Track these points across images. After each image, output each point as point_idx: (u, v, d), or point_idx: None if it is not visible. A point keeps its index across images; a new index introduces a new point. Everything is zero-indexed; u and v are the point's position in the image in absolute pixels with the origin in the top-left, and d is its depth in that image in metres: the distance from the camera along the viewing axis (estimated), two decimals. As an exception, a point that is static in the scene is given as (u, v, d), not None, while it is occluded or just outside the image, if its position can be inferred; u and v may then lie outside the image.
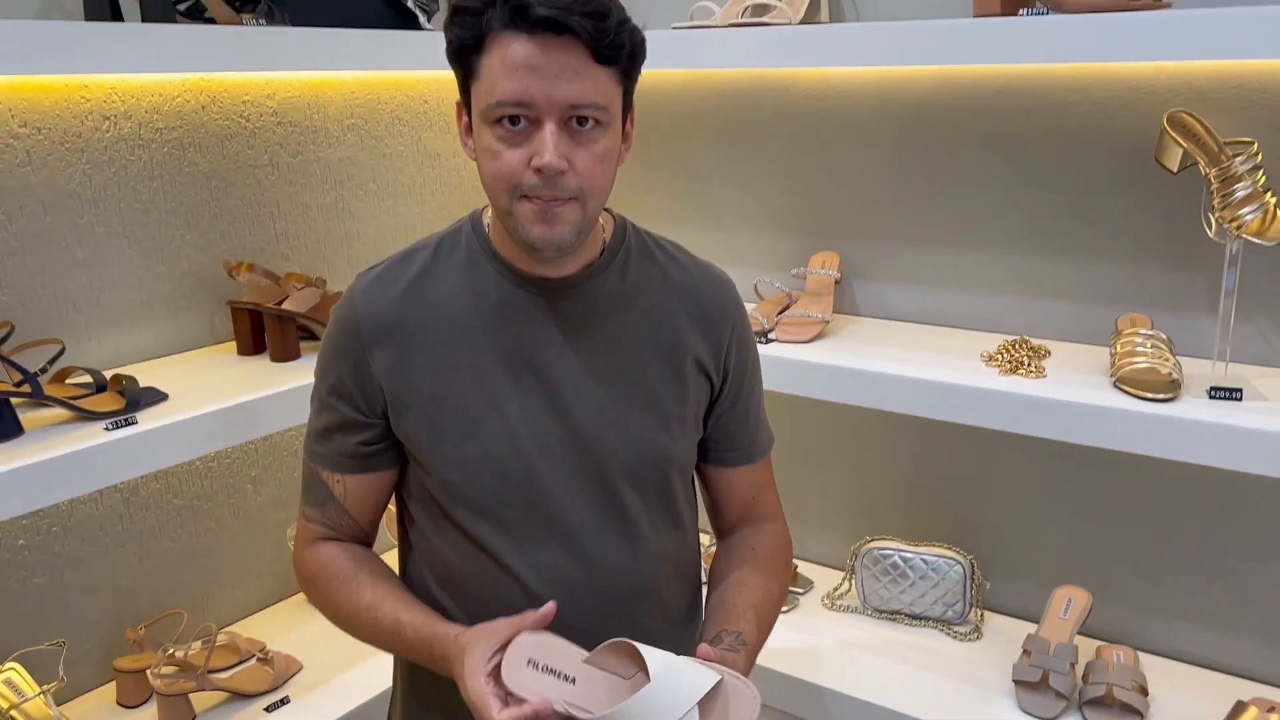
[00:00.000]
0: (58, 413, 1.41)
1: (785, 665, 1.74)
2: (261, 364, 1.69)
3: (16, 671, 1.45)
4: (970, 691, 1.68)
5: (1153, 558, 1.77)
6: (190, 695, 1.59)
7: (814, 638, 1.84)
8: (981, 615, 1.87)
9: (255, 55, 1.51)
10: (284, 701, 1.66)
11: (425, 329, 1.12)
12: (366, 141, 1.98)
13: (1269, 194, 1.45)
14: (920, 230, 1.87)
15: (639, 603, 1.19)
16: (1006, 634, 1.82)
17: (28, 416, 1.39)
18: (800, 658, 1.77)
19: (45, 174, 1.53)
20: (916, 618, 1.87)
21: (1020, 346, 1.68)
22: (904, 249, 1.90)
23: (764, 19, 1.75)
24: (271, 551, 1.93)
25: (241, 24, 1.54)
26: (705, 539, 1.50)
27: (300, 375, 1.61)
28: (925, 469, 1.96)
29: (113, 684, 1.66)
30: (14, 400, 1.35)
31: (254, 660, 1.69)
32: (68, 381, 1.46)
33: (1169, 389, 1.46)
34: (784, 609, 1.91)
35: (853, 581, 1.93)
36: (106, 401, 1.42)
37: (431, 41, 1.80)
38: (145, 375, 1.55)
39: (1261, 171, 1.46)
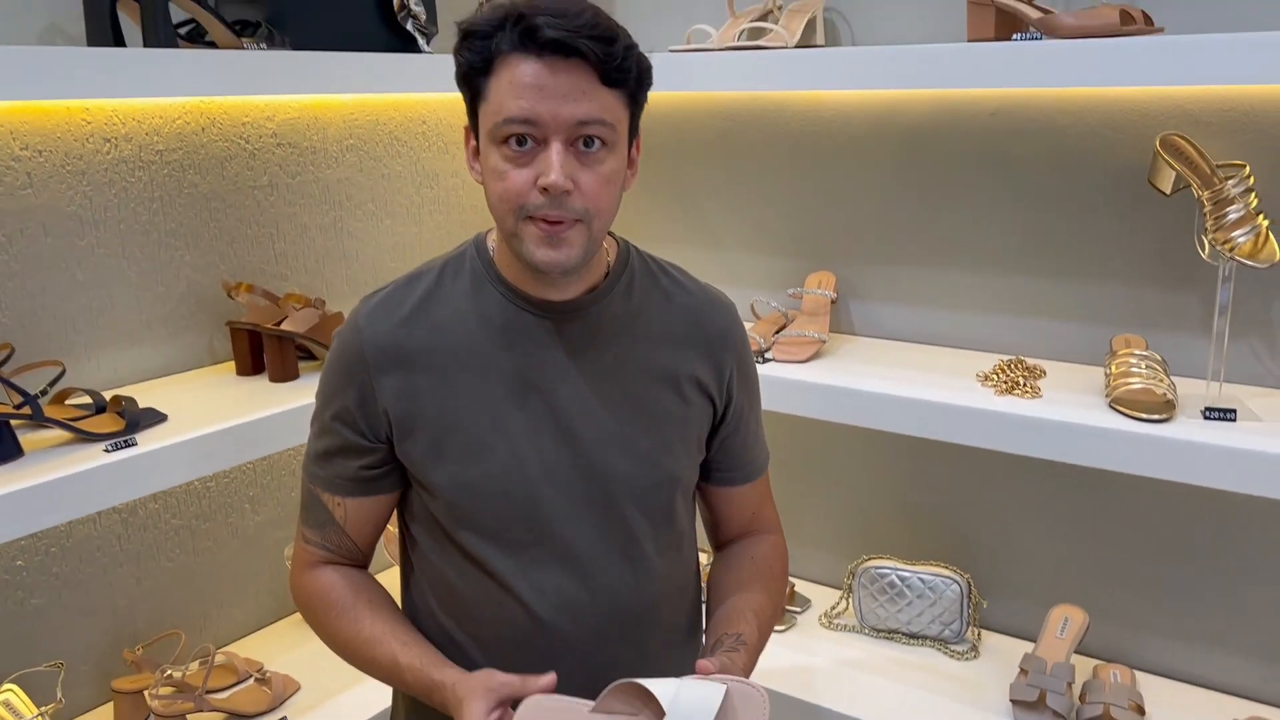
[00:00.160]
0: (57, 434, 1.41)
1: (783, 685, 1.74)
2: (260, 384, 1.69)
3: (14, 693, 1.44)
4: (968, 711, 1.68)
5: (1149, 577, 1.78)
6: (188, 716, 1.59)
7: (811, 657, 1.84)
8: (979, 634, 1.87)
9: (256, 79, 1.52)
10: (282, 722, 1.66)
11: (431, 353, 1.13)
12: (365, 162, 1.99)
13: (1261, 216, 1.46)
14: (916, 251, 1.88)
15: (641, 624, 1.19)
16: (1003, 653, 1.83)
17: (28, 438, 1.39)
18: (798, 677, 1.77)
19: (46, 196, 1.54)
20: (914, 637, 1.87)
21: (1016, 366, 1.69)
22: (900, 269, 1.91)
23: (760, 42, 1.77)
24: (269, 571, 1.93)
25: (242, 48, 1.55)
26: (704, 558, 1.51)
27: (299, 396, 1.61)
28: (922, 488, 1.97)
29: (110, 705, 1.65)
30: (14, 422, 1.35)
31: (252, 681, 1.69)
32: (67, 403, 1.47)
33: (1164, 409, 1.47)
34: (781, 628, 1.92)
35: (850, 600, 1.93)
36: (106, 423, 1.43)
37: (430, 64, 1.81)
38: (145, 396, 1.56)
39: (1254, 194, 1.48)
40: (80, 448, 1.38)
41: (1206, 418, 1.47)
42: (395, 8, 1.78)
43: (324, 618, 1.18)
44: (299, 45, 1.63)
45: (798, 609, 1.99)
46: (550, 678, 1.03)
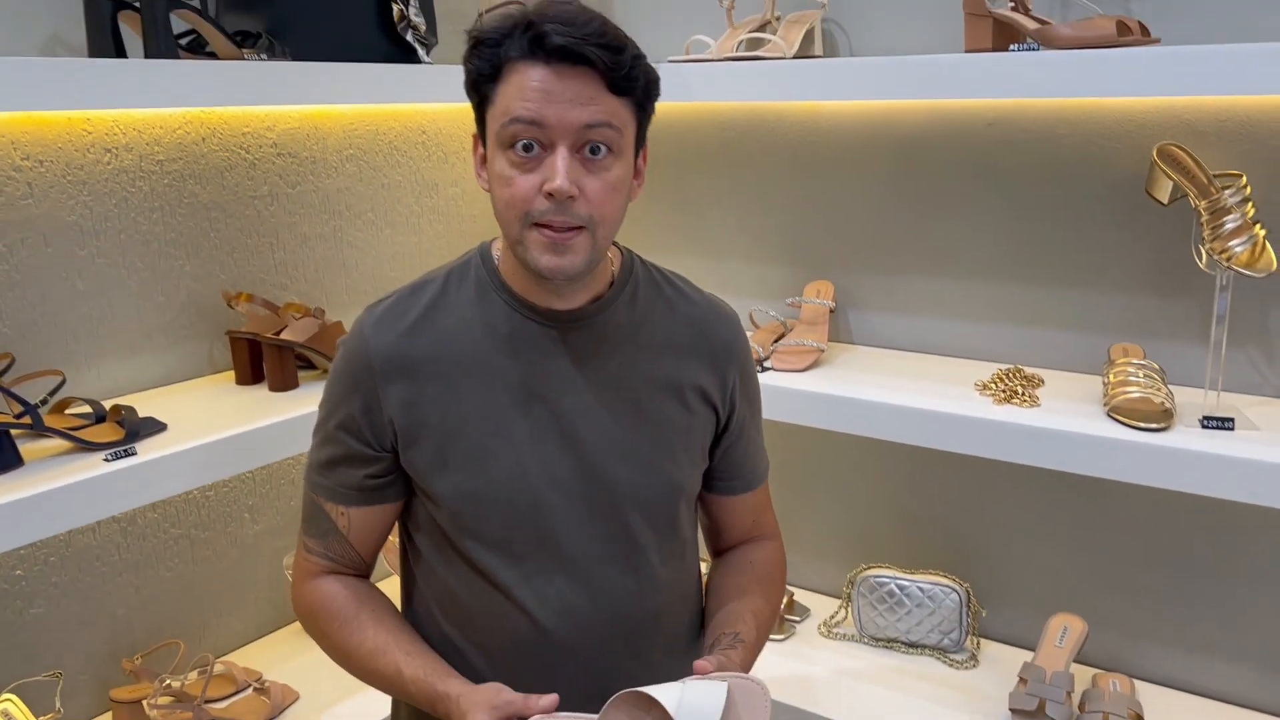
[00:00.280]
0: (57, 444, 1.41)
1: (782, 694, 1.74)
2: (260, 394, 1.69)
3: (13, 703, 1.44)
4: (967, 720, 1.68)
5: (1148, 586, 1.78)
6: (187, 726, 1.59)
7: (811, 666, 1.84)
8: (978, 643, 1.87)
9: (256, 89, 1.53)
10: (280, 732, 1.65)
11: (436, 362, 1.13)
12: (365, 172, 2.00)
13: (1258, 226, 1.47)
14: (914, 260, 1.89)
15: (644, 633, 1.19)
16: (1003, 662, 1.83)
17: (28, 448, 1.39)
18: (797, 686, 1.77)
19: (47, 206, 1.54)
20: (913, 646, 1.87)
21: (1014, 375, 1.69)
22: (898, 278, 1.91)
23: (758, 53, 1.77)
24: (269, 580, 1.93)
25: (243, 58, 1.56)
26: (704, 567, 1.51)
27: (299, 405, 1.62)
28: (920, 497, 1.97)
29: (109, 715, 1.65)
30: (14, 432, 1.35)
31: (251, 690, 1.69)
32: (67, 412, 1.47)
33: (1162, 419, 1.47)
34: (780, 637, 1.92)
35: (849, 609, 1.93)
36: (106, 432, 1.43)
37: (429, 75, 1.82)
38: (144, 405, 1.56)
39: (1250, 204, 1.48)
40: (80, 457, 1.39)
41: (1204, 427, 1.47)
42: (395, 18, 1.79)
43: (326, 629, 1.18)
44: (299, 56, 1.64)
45: (797, 618, 1.99)
46: (553, 698, 1.02)
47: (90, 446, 1.40)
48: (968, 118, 1.78)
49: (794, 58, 1.77)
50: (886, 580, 1.87)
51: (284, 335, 1.68)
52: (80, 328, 1.60)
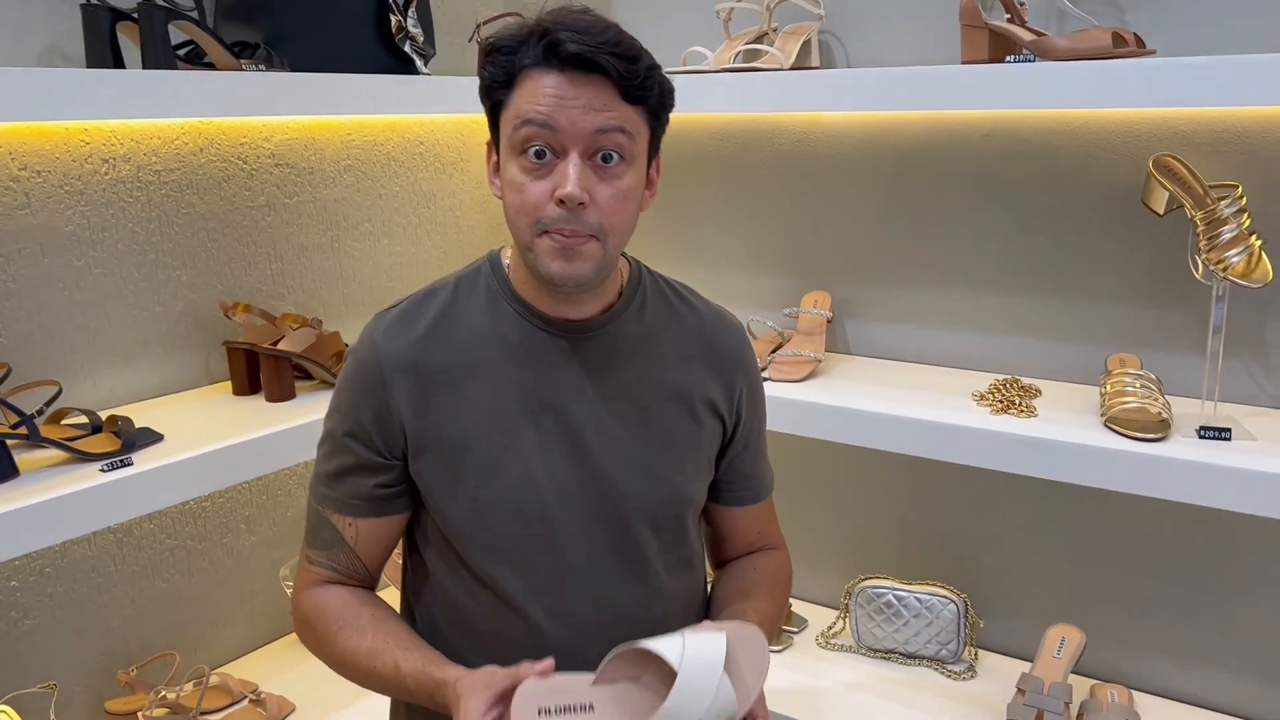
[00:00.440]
0: (53, 454, 1.41)
1: (780, 705, 1.73)
2: (257, 404, 1.69)
3: (7, 714, 1.43)
4: (965, 732, 1.67)
5: (1146, 597, 1.77)
6: (182, 738, 1.58)
7: (809, 677, 1.83)
8: (976, 654, 1.87)
9: (254, 100, 1.53)
10: (276, 744, 1.65)
11: (446, 370, 1.12)
12: (363, 183, 2.00)
13: (1254, 236, 1.47)
14: (911, 270, 1.89)
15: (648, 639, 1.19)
16: (1001, 673, 1.82)
17: (23, 458, 1.38)
18: (795, 697, 1.77)
19: (44, 216, 1.54)
20: (911, 656, 1.87)
21: (1011, 386, 1.70)
22: (895, 289, 1.92)
23: (756, 64, 1.78)
24: (265, 591, 1.92)
25: (241, 69, 1.56)
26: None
27: (296, 415, 1.61)
28: (918, 508, 1.97)
29: (104, 727, 1.64)
30: (10, 442, 1.35)
31: (246, 701, 1.68)
32: (63, 422, 1.46)
33: (1159, 429, 1.47)
34: (778, 648, 1.91)
35: (847, 620, 1.93)
36: (102, 443, 1.42)
37: (427, 86, 1.82)
38: (141, 415, 1.56)
39: (1246, 214, 1.48)
40: (76, 468, 1.38)
41: (1201, 437, 1.47)
42: (393, 29, 1.80)
43: (324, 633, 1.16)
44: (297, 67, 1.64)
45: (794, 629, 1.98)
46: (548, 662, 1.00)
47: (86, 457, 1.39)
48: (964, 129, 1.79)
49: (791, 69, 1.77)
50: (884, 591, 1.86)
51: (281, 346, 1.68)
52: (77, 338, 1.60)
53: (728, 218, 2.07)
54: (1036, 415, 1.60)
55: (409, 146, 2.08)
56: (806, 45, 1.82)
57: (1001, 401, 1.64)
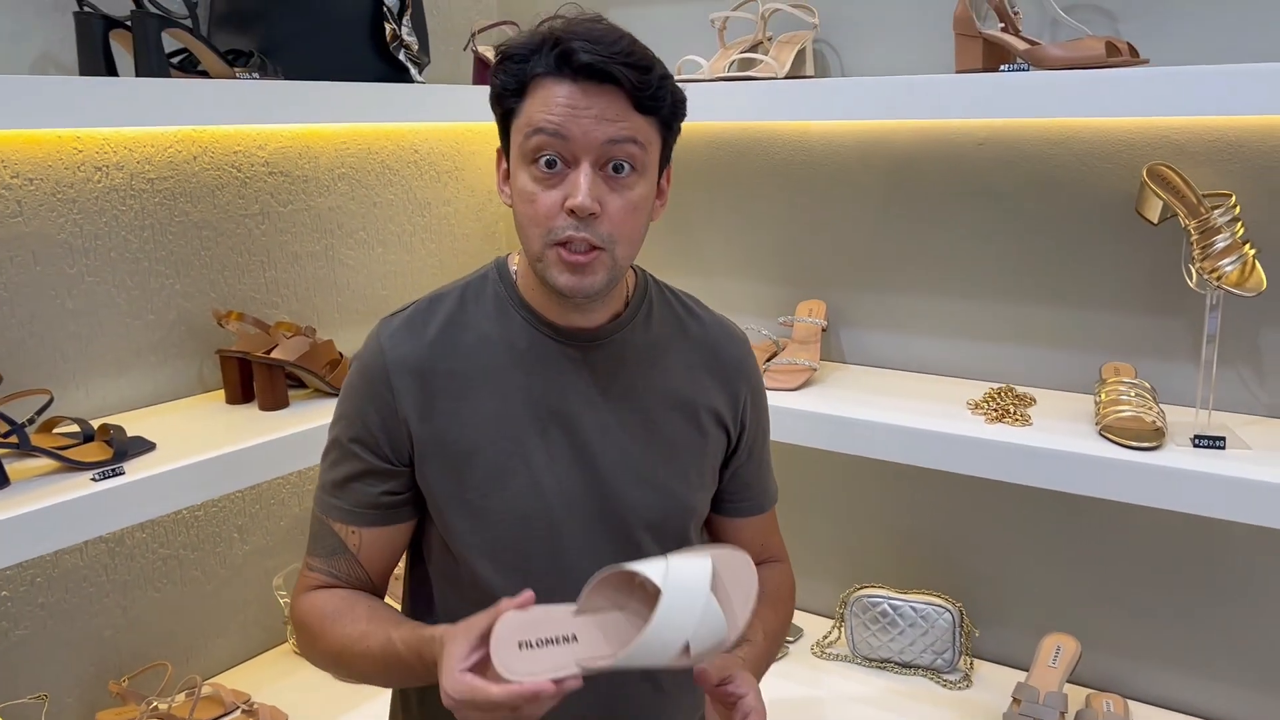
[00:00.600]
0: (44, 463, 1.40)
1: (776, 715, 1.71)
2: (250, 413, 1.68)
3: (-3, 726, 1.43)
4: (961, 741, 1.67)
5: (1141, 605, 1.77)
6: (173, 749, 1.58)
7: (804, 686, 1.83)
8: (971, 663, 1.86)
9: (248, 108, 1.53)
10: (268, 755, 1.64)
11: (454, 377, 1.12)
12: (357, 191, 2.00)
13: (1247, 245, 1.47)
14: (906, 279, 1.89)
15: None
16: (996, 682, 1.82)
17: (14, 467, 1.38)
18: (791, 707, 1.76)
19: (36, 224, 1.54)
20: (906, 666, 1.86)
21: (1006, 394, 1.69)
22: (890, 297, 1.92)
23: (750, 73, 1.78)
24: (258, 601, 1.91)
25: (235, 77, 1.56)
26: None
27: (289, 424, 1.61)
28: (913, 516, 1.96)
29: (95, 738, 1.63)
30: (0, 451, 1.34)
31: (239, 712, 1.67)
32: (55, 431, 1.46)
33: (1153, 437, 1.47)
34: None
35: (842, 629, 1.92)
36: (94, 452, 1.42)
37: (422, 94, 1.82)
38: (133, 424, 1.55)
39: (1240, 223, 1.49)
40: (67, 477, 1.37)
41: (1196, 445, 1.47)
42: (387, 37, 1.80)
43: (318, 628, 1.13)
44: (291, 75, 1.64)
45: (790, 638, 1.98)
46: (527, 595, 0.96)
47: (78, 466, 1.39)
48: (959, 137, 1.79)
49: (786, 78, 1.77)
50: (879, 600, 1.86)
51: (274, 354, 1.68)
52: (69, 346, 1.60)
53: (722, 226, 2.07)
54: (1031, 424, 1.60)
55: (403, 155, 2.08)
56: (801, 54, 1.82)
57: (996, 410, 1.64)
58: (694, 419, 1.19)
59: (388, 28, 1.79)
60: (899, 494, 1.97)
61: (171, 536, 1.76)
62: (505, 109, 1.07)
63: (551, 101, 1.02)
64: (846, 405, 1.71)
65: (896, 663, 1.87)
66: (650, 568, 0.96)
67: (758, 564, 1.30)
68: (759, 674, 1.16)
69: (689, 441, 1.18)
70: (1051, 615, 1.84)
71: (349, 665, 1.13)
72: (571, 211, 1.01)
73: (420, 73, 1.86)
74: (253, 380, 1.71)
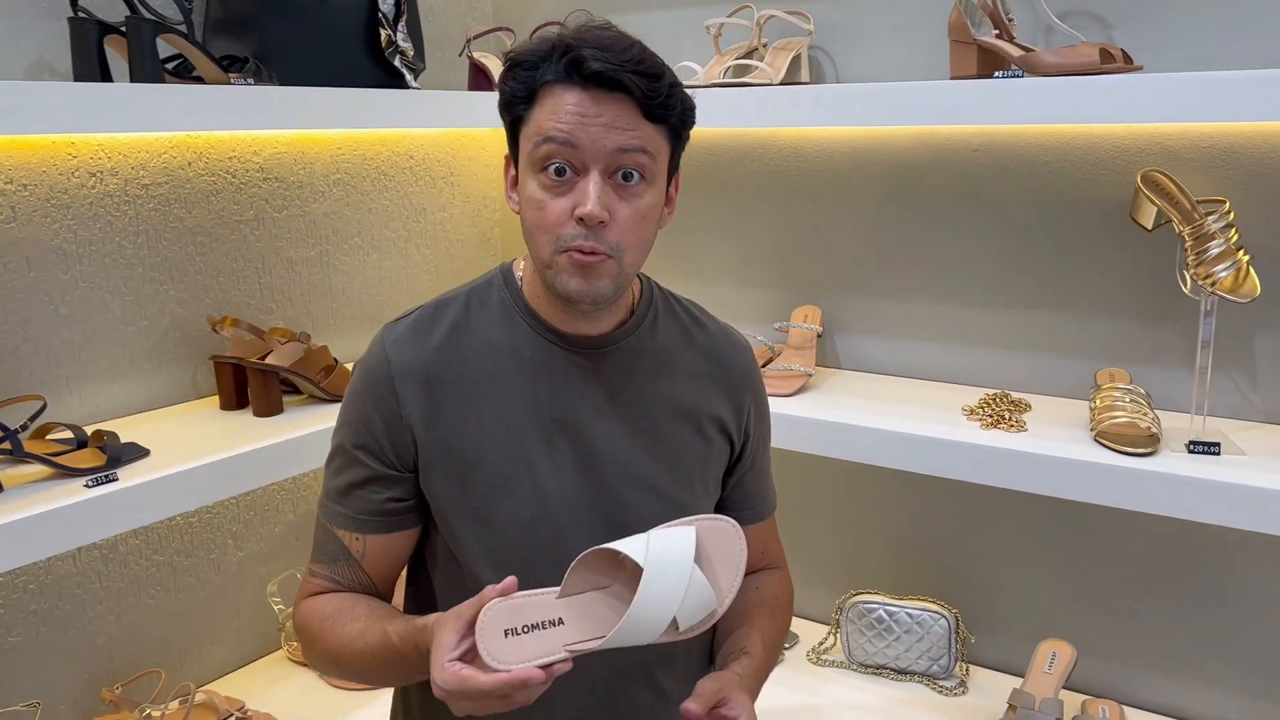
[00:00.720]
0: (38, 469, 1.39)
1: (770, 722, 1.73)
2: (244, 419, 1.68)
3: (-11, 734, 1.42)
4: (956, 748, 1.67)
5: (1136, 611, 1.77)
6: (167, 757, 1.57)
7: (800, 693, 1.82)
8: (967, 669, 1.86)
9: (243, 114, 1.53)
10: (262, 762, 1.63)
11: (459, 383, 1.12)
12: (352, 197, 2.00)
13: (1241, 252, 1.48)
14: (901, 285, 1.89)
15: (659, 662, 1.18)
16: (992, 688, 1.81)
17: (7, 474, 1.37)
18: (786, 714, 1.76)
19: (30, 230, 1.53)
20: (902, 672, 1.86)
21: (1001, 400, 1.70)
22: (885, 303, 1.92)
23: (745, 79, 1.78)
24: (252, 608, 1.91)
25: (230, 83, 1.56)
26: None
27: (283, 430, 1.60)
28: (909, 522, 1.96)
29: (87, 745, 1.63)
30: (-6, 457, 1.34)
31: (233, 719, 1.66)
32: (48, 438, 1.45)
33: (1148, 444, 1.47)
34: (769, 664, 1.90)
35: (838, 636, 1.92)
36: (87, 458, 1.41)
37: (417, 100, 1.82)
38: (127, 430, 1.55)
39: (1234, 229, 1.49)
40: (60, 483, 1.37)
41: (1191, 451, 1.48)
42: (383, 43, 1.80)
43: (318, 630, 1.13)
44: (286, 80, 1.64)
45: (786, 644, 1.97)
46: (509, 581, 0.96)
47: (71, 472, 1.38)
48: (953, 144, 1.79)
49: (781, 84, 1.77)
50: (875, 606, 1.86)
51: (269, 360, 1.67)
52: (62, 352, 1.59)
53: (717, 232, 2.07)
54: (1026, 430, 1.60)
55: (398, 160, 2.08)
56: (796, 60, 1.83)
57: (991, 416, 1.64)
58: (698, 427, 1.19)
59: (383, 33, 1.79)
60: (894, 500, 1.97)
61: (165, 543, 1.76)
62: (514, 116, 1.07)
63: (561, 109, 1.01)
64: (842, 411, 1.71)
65: (892, 669, 1.86)
66: (632, 545, 0.96)
67: (757, 570, 1.31)
68: (758, 685, 1.15)
69: (693, 449, 1.18)
70: (1047, 621, 1.84)
71: (349, 665, 1.12)
72: (580, 219, 1.01)
73: (415, 78, 1.86)
74: (247, 386, 1.70)
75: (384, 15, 1.79)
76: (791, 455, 1.73)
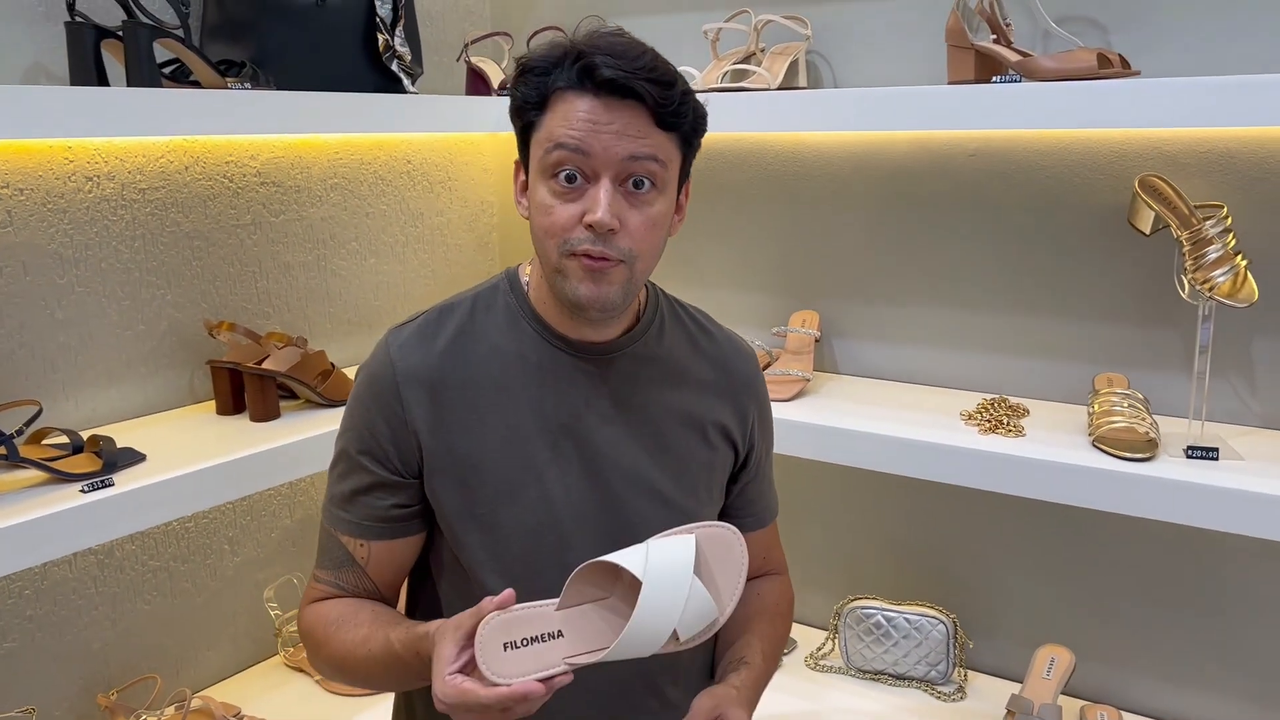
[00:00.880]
0: (33, 475, 1.39)
1: (768, 728, 1.72)
2: (241, 424, 1.68)
3: (-16, 740, 1.42)
4: (955, 754, 1.66)
5: (1135, 617, 1.77)
6: (162, 763, 1.56)
7: (797, 699, 1.82)
8: (965, 675, 1.86)
9: (240, 118, 1.53)
10: (258, 769, 1.62)
11: (465, 388, 1.11)
12: (349, 201, 2.00)
13: (1239, 256, 1.48)
14: (899, 290, 1.89)
15: (663, 670, 1.18)
16: (990, 694, 1.81)
17: (2, 479, 1.37)
18: (783, 720, 1.76)
19: (26, 234, 1.53)
20: (900, 678, 1.85)
21: (999, 405, 1.69)
22: (883, 308, 1.91)
23: (743, 84, 1.78)
24: (248, 613, 1.90)
25: (227, 87, 1.56)
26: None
27: (280, 435, 1.60)
28: (907, 528, 1.96)
29: (83, 752, 1.62)
30: (-11, 462, 1.33)
31: (228, 726, 1.66)
32: (44, 443, 1.45)
33: (1146, 449, 1.47)
34: (767, 670, 1.90)
35: (836, 641, 1.91)
36: (83, 463, 1.41)
37: (415, 104, 1.82)
38: (123, 435, 1.54)
39: (1232, 234, 1.49)
40: (56, 488, 1.36)
41: (1189, 457, 1.47)
42: (380, 48, 1.79)
43: (322, 635, 1.13)
44: (284, 85, 1.63)
45: (784, 650, 1.97)
46: (507, 594, 0.96)
47: (67, 477, 1.38)
48: (951, 148, 1.79)
49: (779, 89, 1.77)
50: (873, 612, 1.85)
51: (266, 365, 1.67)
52: (59, 357, 1.59)
53: (715, 237, 2.07)
54: (1024, 435, 1.60)
55: (396, 165, 2.08)
56: (794, 65, 1.82)
57: (989, 421, 1.64)
58: (703, 434, 1.19)
59: (380, 38, 1.79)
60: (892, 505, 1.96)
61: (161, 548, 1.75)
62: (525, 121, 1.06)
63: (573, 116, 1.01)
64: (840, 416, 1.71)
65: (890, 674, 1.86)
66: (630, 558, 0.95)
67: (759, 576, 1.31)
68: (757, 694, 1.15)
69: (698, 457, 1.18)
70: (1045, 626, 1.83)
71: (353, 670, 1.12)
72: (590, 226, 1.01)
73: (413, 83, 1.86)
74: (244, 391, 1.70)
75: (381, 20, 1.79)
76: (789, 460, 1.73)
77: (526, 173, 1.09)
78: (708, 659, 1.27)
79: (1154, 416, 1.56)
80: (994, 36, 1.60)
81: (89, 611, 1.66)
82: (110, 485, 1.38)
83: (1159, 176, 1.55)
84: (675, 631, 0.94)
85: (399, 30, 1.81)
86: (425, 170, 2.14)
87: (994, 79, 1.54)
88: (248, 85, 1.59)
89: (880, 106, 1.61)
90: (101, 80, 1.48)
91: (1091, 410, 1.59)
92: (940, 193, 1.82)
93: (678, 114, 1.03)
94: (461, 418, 1.11)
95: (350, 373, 1.79)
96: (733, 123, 1.76)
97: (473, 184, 2.25)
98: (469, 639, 0.94)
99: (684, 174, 1.10)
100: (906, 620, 1.83)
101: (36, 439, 1.45)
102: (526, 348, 1.13)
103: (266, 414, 1.68)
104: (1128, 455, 1.47)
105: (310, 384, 1.71)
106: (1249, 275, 1.47)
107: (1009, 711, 1.65)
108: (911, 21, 1.78)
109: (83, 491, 1.35)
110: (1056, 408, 1.73)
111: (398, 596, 1.21)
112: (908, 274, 1.88)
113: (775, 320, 2.00)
